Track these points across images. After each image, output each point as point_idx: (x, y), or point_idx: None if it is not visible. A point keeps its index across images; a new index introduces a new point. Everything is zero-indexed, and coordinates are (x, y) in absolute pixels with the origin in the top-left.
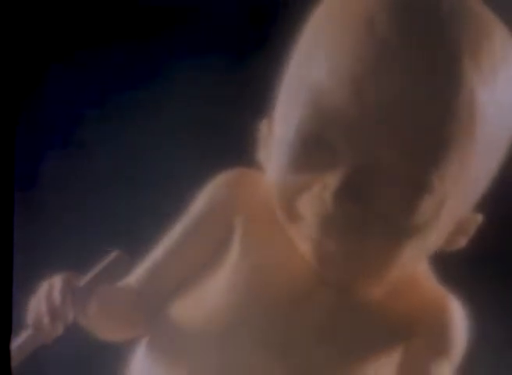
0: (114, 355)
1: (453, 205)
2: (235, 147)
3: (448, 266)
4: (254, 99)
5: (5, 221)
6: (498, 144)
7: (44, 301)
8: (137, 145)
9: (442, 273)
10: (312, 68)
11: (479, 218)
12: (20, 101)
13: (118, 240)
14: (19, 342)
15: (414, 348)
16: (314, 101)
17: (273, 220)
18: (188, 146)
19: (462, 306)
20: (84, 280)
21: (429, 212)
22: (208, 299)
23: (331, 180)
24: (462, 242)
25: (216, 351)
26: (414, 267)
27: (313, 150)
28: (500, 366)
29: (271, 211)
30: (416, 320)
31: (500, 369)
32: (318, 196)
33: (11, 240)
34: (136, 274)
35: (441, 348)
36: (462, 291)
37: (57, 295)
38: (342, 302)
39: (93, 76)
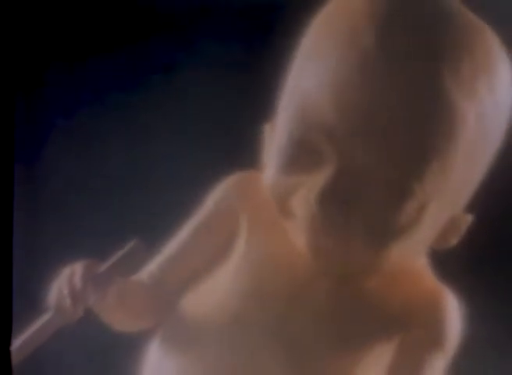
0: (128, 347)
1: (437, 207)
2: (241, 148)
3: (445, 261)
4: (260, 102)
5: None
6: (482, 149)
7: (65, 284)
8: (146, 144)
9: (439, 268)
10: (302, 78)
11: (469, 218)
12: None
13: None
14: (40, 324)
15: (408, 338)
16: (302, 109)
17: (274, 217)
18: (195, 144)
19: (458, 301)
20: (103, 267)
21: (411, 215)
22: (214, 291)
23: (316, 183)
24: (453, 241)
25: (221, 339)
26: (411, 262)
27: (301, 154)
28: (494, 359)
29: (272, 209)
30: (412, 312)
31: (494, 362)
32: (304, 197)
33: (11, 234)
34: (150, 269)
35: (435, 340)
36: (458, 285)
37: (78, 279)
38: (339, 292)
39: (94, 75)
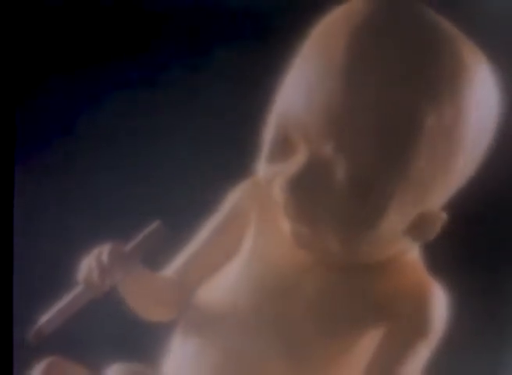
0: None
1: (401, 203)
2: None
3: (436, 254)
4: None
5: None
6: (448, 151)
7: (94, 260)
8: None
9: (431, 262)
10: (287, 83)
11: (443, 216)
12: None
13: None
14: (68, 298)
15: (394, 327)
16: (283, 109)
17: (277, 214)
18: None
19: (445, 293)
20: (128, 246)
21: (373, 209)
22: (225, 281)
23: (288, 172)
24: (428, 237)
25: (227, 326)
26: (402, 254)
27: (281, 148)
28: (478, 350)
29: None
30: (399, 302)
31: (479, 353)
32: (279, 185)
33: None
34: (174, 265)
35: (419, 329)
36: (446, 278)
37: (106, 255)
38: (330, 283)
39: (95, 80)
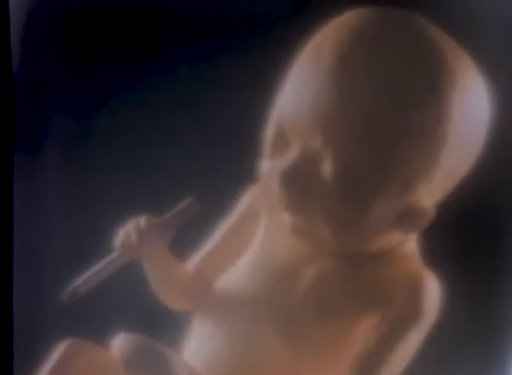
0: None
1: (386, 194)
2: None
3: (430, 246)
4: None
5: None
6: (432, 149)
7: (132, 226)
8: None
9: (425, 252)
10: (285, 89)
11: (430, 210)
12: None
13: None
14: (105, 261)
15: (388, 314)
16: (281, 111)
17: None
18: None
19: (438, 284)
20: (162, 219)
21: (358, 201)
22: (237, 272)
23: (282, 166)
24: (416, 229)
25: (236, 311)
26: (398, 246)
27: (278, 145)
28: (470, 339)
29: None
30: (394, 290)
31: (470, 341)
32: (275, 178)
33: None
34: (194, 260)
35: (411, 317)
36: (441, 269)
37: (144, 222)
38: (329, 271)
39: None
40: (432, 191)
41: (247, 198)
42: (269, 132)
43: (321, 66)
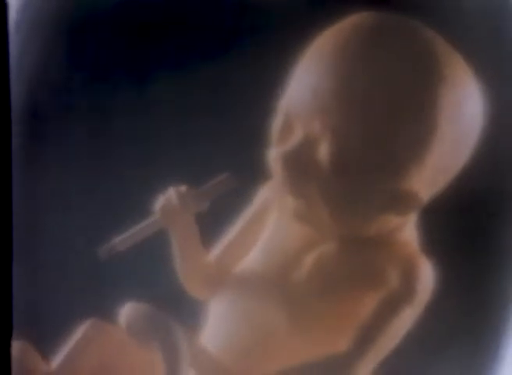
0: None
1: (379, 177)
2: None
3: (429, 232)
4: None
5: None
6: (421, 146)
7: (173, 192)
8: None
9: (423, 238)
10: (291, 82)
11: (420, 196)
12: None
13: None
14: (143, 224)
15: (384, 295)
16: (287, 103)
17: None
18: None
19: (433, 267)
20: (199, 190)
21: (350, 186)
22: (251, 256)
23: (283, 149)
24: (406, 212)
25: (249, 291)
26: (398, 230)
27: (284, 131)
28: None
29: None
30: (390, 272)
31: (462, 323)
32: (276, 160)
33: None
34: (214, 252)
35: (405, 297)
36: (438, 253)
37: (184, 190)
38: (330, 254)
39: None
40: (424, 180)
41: (264, 191)
42: (276, 122)
43: (322, 61)
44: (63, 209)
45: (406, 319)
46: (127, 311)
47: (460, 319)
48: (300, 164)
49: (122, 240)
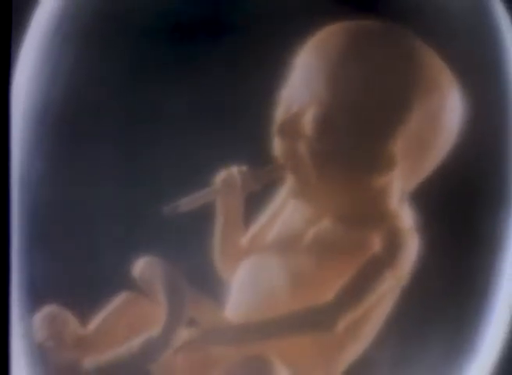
0: None
1: (360, 140)
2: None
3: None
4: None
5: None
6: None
7: (236, 168)
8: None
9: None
10: (291, 76)
11: (395, 157)
12: None
13: None
14: (204, 191)
15: (368, 258)
16: (286, 93)
17: None
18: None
19: (418, 241)
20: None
21: (330, 146)
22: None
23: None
24: (385, 173)
25: (259, 262)
26: (391, 205)
27: (281, 111)
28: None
29: None
30: (377, 240)
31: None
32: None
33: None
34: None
35: (387, 260)
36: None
37: (246, 168)
38: (327, 228)
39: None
40: (402, 145)
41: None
42: (278, 112)
43: (317, 55)
44: (95, 183)
45: (385, 281)
46: (139, 263)
47: (445, 292)
48: (290, 130)
49: (186, 201)
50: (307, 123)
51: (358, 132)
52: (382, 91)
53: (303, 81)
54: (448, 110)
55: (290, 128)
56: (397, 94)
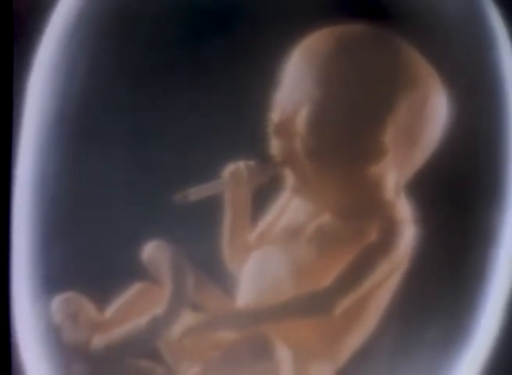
0: None
1: (351, 130)
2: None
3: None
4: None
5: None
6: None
7: (243, 163)
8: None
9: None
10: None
11: (385, 146)
12: None
13: None
14: (212, 183)
15: (365, 245)
16: (280, 95)
17: None
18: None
19: (415, 229)
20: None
21: (323, 140)
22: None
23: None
24: (376, 161)
25: (265, 252)
26: (388, 195)
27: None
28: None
29: None
30: (374, 227)
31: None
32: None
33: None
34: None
35: (383, 245)
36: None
37: (253, 162)
38: (327, 221)
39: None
40: (392, 134)
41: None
42: (274, 114)
43: (309, 57)
44: (108, 174)
45: (380, 267)
46: (147, 247)
47: (441, 280)
48: (285, 130)
49: (195, 191)
50: (301, 122)
51: (349, 127)
52: (368, 87)
53: (294, 83)
54: (433, 102)
55: (285, 128)
56: (383, 89)
